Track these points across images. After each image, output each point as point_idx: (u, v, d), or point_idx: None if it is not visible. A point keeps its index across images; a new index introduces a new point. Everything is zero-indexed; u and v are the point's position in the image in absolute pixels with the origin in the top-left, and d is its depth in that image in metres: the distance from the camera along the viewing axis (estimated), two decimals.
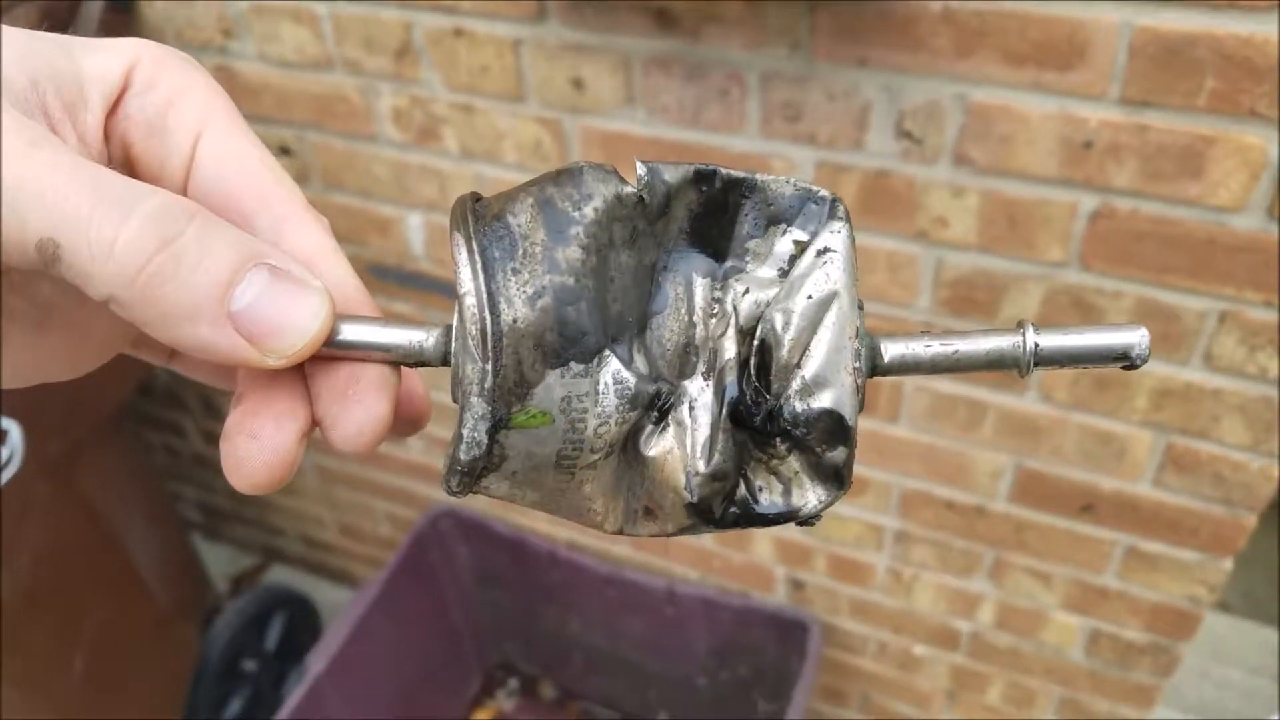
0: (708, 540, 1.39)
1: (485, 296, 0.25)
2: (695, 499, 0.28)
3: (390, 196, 1.18)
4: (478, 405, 0.25)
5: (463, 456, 0.26)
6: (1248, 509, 0.93)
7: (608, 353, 0.26)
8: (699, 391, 0.28)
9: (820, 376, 0.27)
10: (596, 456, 0.27)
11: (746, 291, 0.28)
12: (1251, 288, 0.80)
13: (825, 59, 0.84)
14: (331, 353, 0.26)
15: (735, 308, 0.28)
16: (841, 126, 0.87)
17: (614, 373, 0.26)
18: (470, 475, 0.26)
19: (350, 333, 0.26)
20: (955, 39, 0.79)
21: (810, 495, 0.29)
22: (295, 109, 1.15)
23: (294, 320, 0.24)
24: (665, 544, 1.44)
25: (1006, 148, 0.82)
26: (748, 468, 0.29)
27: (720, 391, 0.28)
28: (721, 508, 0.29)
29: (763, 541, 1.33)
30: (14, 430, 1.18)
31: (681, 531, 0.29)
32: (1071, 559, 1.08)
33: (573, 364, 0.26)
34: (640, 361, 0.27)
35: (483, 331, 0.25)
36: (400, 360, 0.27)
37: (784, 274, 0.28)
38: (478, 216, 0.26)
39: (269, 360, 0.24)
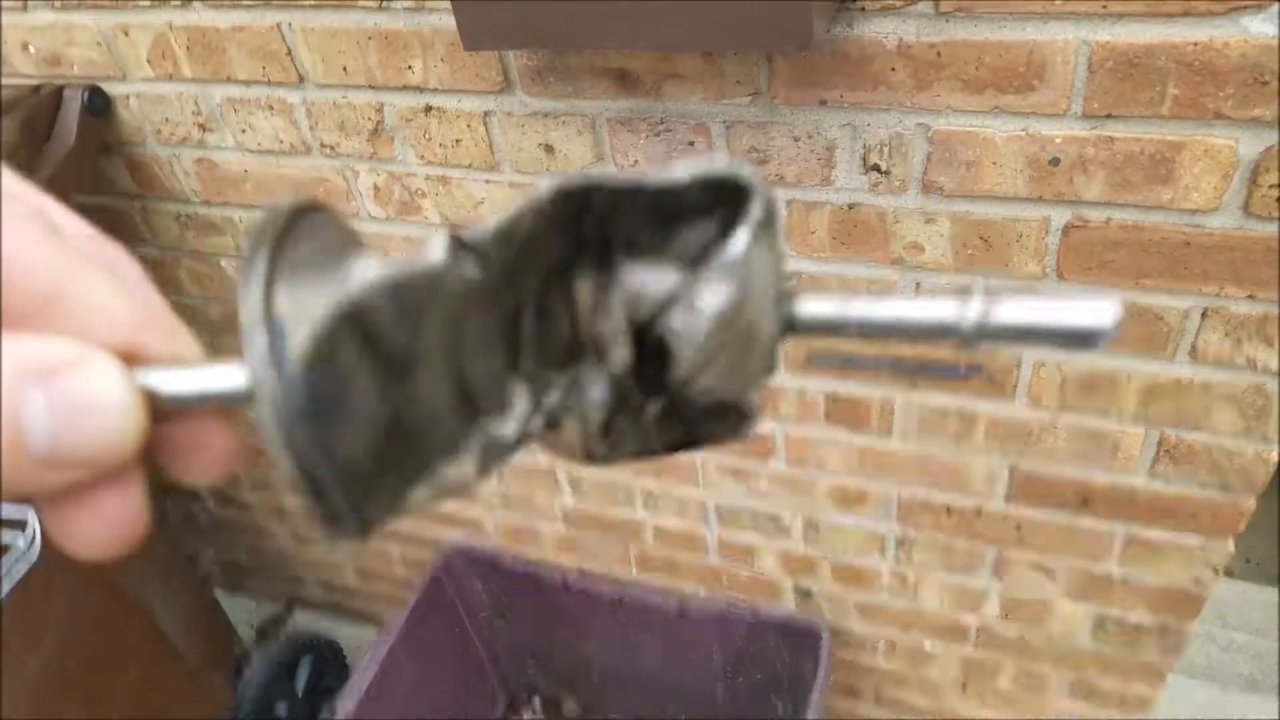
0: (714, 559, 1.33)
1: (309, 466, 0.19)
2: (598, 462, 0.25)
3: None
4: (333, 535, 0.21)
5: (330, 546, 0.21)
6: (1246, 492, 0.88)
7: (481, 423, 0.22)
8: (592, 375, 0.23)
9: (721, 385, 0.23)
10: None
11: (640, 289, 0.23)
12: (1233, 283, 0.75)
13: (785, 103, 0.79)
14: (160, 410, 0.21)
15: (625, 306, 0.23)
16: (808, 165, 0.82)
17: (488, 442, 0.22)
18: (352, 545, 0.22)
19: (167, 386, 0.20)
20: (913, 72, 0.74)
21: (715, 433, 0.25)
22: (277, 192, 1.09)
23: (102, 427, 0.19)
24: (672, 565, 1.39)
25: (973, 172, 0.77)
26: (649, 422, 0.25)
27: (613, 383, 0.23)
28: (628, 456, 0.25)
29: (767, 556, 1.28)
30: (32, 518, 1.12)
31: None
32: (1072, 551, 1.03)
33: (439, 468, 0.21)
34: (521, 399, 0.23)
35: (319, 497, 0.19)
36: (227, 403, 0.21)
37: (684, 269, 0.23)
38: (277, 365, 0.19)
39: (110, 467, 0.19)
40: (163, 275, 1.27)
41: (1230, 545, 0.93)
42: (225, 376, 0.21)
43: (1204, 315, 0.78)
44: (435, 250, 0.20)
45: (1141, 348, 0.82)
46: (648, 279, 0.23)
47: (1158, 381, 0.84)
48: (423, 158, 0.96)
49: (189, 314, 1.32)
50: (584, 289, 0.23)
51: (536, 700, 1.75)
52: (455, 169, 0.96)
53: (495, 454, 0.22)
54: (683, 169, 0.22)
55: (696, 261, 0.22)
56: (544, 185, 0.21)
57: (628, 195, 0.22)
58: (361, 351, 0.20)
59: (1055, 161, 0.74)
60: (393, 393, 0.20)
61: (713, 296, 0.22)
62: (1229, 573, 1.55)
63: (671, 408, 0.24)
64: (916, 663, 1.31)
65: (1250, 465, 0.85)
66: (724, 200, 0.22)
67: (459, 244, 0.21)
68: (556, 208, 0.22)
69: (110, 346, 0.20)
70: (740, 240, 0.22)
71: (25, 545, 1.10)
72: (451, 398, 0.21)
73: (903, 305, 0.22)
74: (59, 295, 0.19)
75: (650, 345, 0.23)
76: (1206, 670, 1.41)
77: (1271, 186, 0.69)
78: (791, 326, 0.23)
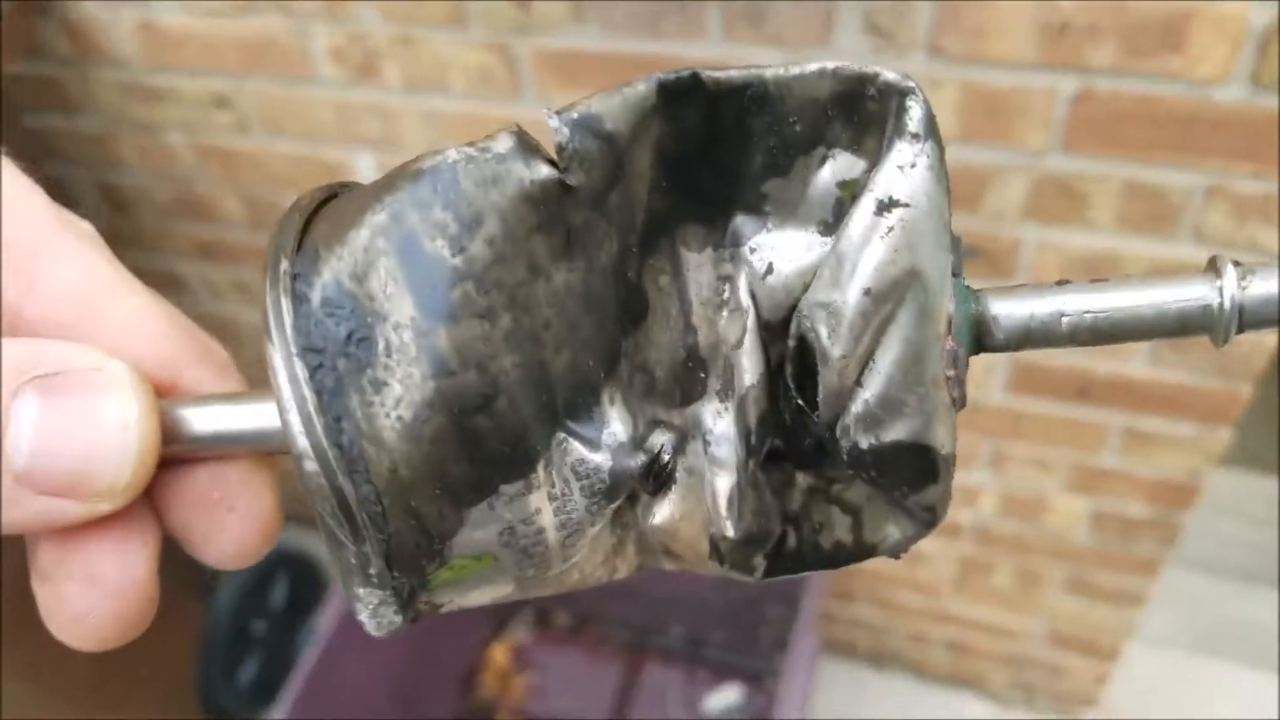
0: None
1: (331, 454, 0.17)
2: (727, 565, 0.21)
3: (335, 138, 1.15)
4: (367, 596, 0.18)
5: (374, 632, 0.19)
6: (1243, 380, 0.94)
7: (560, 437, 0.18)
8: (714, 419, 0.20)
9: (891, 399, 0.18)
10: (574, 559, 0.20)
11: (769, 269, 0.19)
12: (1238, 159, 0.79)
13: None
14: (177, 453, 0.19)
15: (754, 294, 0.19)
16: (808, 26, 0.85)
17: (573, 464, 0.19)
18: (398, 630, 0.19)
19: (196, 422, 0.19)
20: None
21: (891, 529, 0.21)
22: (225, 58, 1.10)
23: (100, 441, 0.17)
24: None
25: (981, 36, 0.80)
26: (796, 506, 0.21)
27: (744, 424, 0.20)
28: (765, 565, 0.21)
29: None
30: None
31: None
32: (1070, 443, 1.10)
33: (503, 487, 0.18)
34: (617, 419, 0.19)
35: (341, 506, 0.17)
36: (269, 449, 0.19)
37: (827, 230, 0.19)
38: (298, 298, 0.17)
39: (101, 506, 0.18)
40: (106, 151, 1.29)
41: (1226, 435, 1.00)
42: (250, 416, 0.19)
43: (1209, 193, 0.83)
44: (501, 141, 0.18)
45: (1145, 227, 0.87)
46: (781, 249, 0.19)
47: (1161, 262, 0.89)
48: (384, 14, 0.98)
49: (136, 195, 1.34)
50: (698, 267, 0.20)
51: (528, 613, 1.85)
52: (420, 26, 0.98)
53: (581, 496, 0.19)
54: (811, 64, 0.19)
55: (837, 213, 0.19)
56: (629, 93, 0.18)
57: (742, 93, 0.19)
58: (392, 258, 0.17)
59: (1065, 27, 0.78)
60: (429, 347, 0.17)
61: (865, 245, 0.18)
62: (1227, 463, 1.64)
63: (827, 481, 0.20)
64: (911, 562, 1.40)
65: (1248, 352, 0.91)
66: (862, 125, 0.19)
67: (527, 142, 0.18)
68: (653, 105, 0.18)
69: (142, 369, 0.18)
70: (896, 157, 0.18)
71: None
72: (521, 374, 0.18)
73: (1130, 293, 0.19)
74: (90, 310, 0.19)
75: (792, 359, 0.20)
76: (1202, 561, 1.52)
77: None
78: (982, 347, 0.19)
